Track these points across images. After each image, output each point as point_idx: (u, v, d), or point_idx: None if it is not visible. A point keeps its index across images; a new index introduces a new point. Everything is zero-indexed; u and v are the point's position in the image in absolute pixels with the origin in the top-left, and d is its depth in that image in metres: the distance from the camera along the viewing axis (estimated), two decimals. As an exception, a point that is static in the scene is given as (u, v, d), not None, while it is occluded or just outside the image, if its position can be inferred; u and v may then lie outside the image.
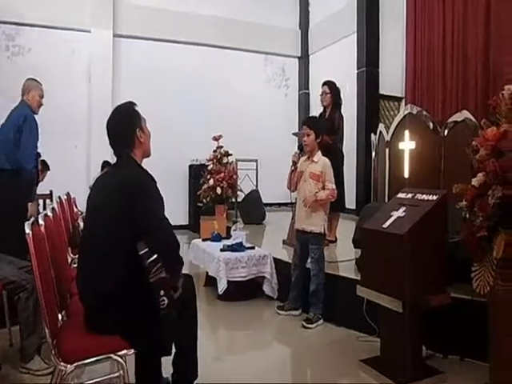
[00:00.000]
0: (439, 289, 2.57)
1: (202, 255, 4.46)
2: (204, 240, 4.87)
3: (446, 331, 2.87)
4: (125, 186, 1.98)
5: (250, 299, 4.19)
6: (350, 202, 6.60)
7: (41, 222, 2.22)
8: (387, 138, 4.73)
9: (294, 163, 3.72)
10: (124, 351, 1.96)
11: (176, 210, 7.15)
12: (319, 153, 3.67)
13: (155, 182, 2.08)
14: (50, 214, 2.61)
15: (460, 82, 6.50)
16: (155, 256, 1.92)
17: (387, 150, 4.71)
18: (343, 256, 4.17)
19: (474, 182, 2.44)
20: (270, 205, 8.20)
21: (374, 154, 5.32)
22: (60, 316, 2.29)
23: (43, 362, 2.68)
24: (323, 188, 3.56)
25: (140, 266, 1.91)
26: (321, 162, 3.61)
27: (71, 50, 7.72)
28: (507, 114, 2.41)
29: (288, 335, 3.52)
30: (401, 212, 2.64)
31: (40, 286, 1.86)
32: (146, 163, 2.25)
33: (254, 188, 7.45)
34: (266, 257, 4.16)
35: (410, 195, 2.78)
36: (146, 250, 1.92)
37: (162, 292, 1.91)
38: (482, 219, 2.34)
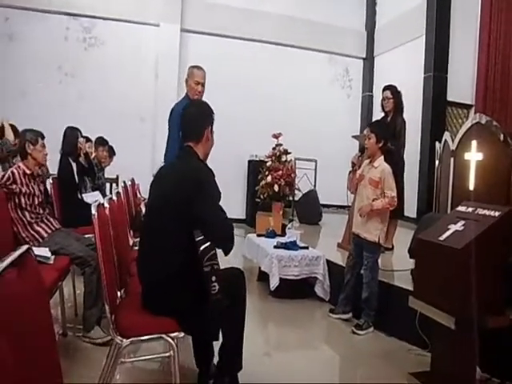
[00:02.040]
0: (497, 310, 2.47)
1: (256, 250, 4.54)
2: (259, 235, 4.95)
3: (506, 355, 2.72)
4: (186, 177, 2.10)
5: (301, 298, 4.21)
6: (411, 210, 6.46)
7: (106, 204, 2.36)
8: (452, 147, 4.55)
9: (354, 165, 3.66)
10: (175, 333, 2.06)
11: (233, 204, 7.27)
12: (381, 158, 3.57)
13: (214, 175, 2.17)
14: (114, 198, 2.77)
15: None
16: (208, 244, 2.02)
17: (452, 160, 4.55)
18: (399, 265, 4.08)
19: (543, 200, 2.35)
20: (328, 206, 8.16)
21: (437, 162, 5.17)
22: (119, 294, 2.43)
23: (102, 332, 2.88)
24: (382, 194, 3.47)
25: (196, 252, 2.01)
26: (380, 168, 3.51)
27: (141, 43, 8.07)
28: None
29: (337, 339, 3.53)
30: (459, 226, 2.56)
31: (102, 264, 2.00)
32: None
33: (312, 188, 7.45)
34: (320, 258, 4.17)
35: (470, 209, 2.69)
36: (202, 237, 2.01)
37: (213, 278, 2.00)
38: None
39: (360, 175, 3.68)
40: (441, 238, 2.57)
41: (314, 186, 7.58)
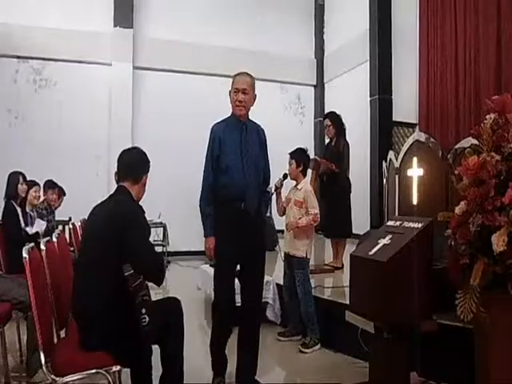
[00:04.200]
0: (425, 315, 2.59)
1: (209, 280, 4.55)
2: (211, 265, 4.97)
3: (439, 358, 2.87)
4: (116, 213, 2.19)
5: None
6: (364, 228, 6.61)
7: (42, 247, 2.39)
8: (397, 164, 4.77)
9: (276, 188, 3.84)
10: (113, 367, 2.08)
11: (191, 236, 7.25)
12: (303, 181, 3.89)
13: (144, 212, 2.29)
14: (54, 239, 2.79)
15: (473, 108, 6.54)
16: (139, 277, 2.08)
17: (397, 177, 4.76)
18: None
19: (457, 210, 2.49)
20: (282, 231, 8.25)
21: (384, 180, 5.37)
22: (59, 333, 2.42)
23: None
24: (307, 213, 3.75)
25: (125, 287, 2.06)
26: (303, 189, 3.82)
27: (93, 83, 8.15)
28: (488, 142, 2.47)
29: (287, 360, 3.60)
30: (387, 239, 2.69)
31: (34, 306, 2.01)
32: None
33: (268, 215, 7.53)
34: (269, 283, 4.23)
35: (398, 223, 2.84)
36: (132, 271, 2.07)
37: (143, 310, 2.05)
38: (464, 247, 2.40)
39: (287, 199, 3.95)
40: (370, 253, 2.69)
41: (270, 212, 7.67)
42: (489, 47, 6.25)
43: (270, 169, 3.30)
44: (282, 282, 4.28)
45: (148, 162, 2.47)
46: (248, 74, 3.01)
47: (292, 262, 3.81)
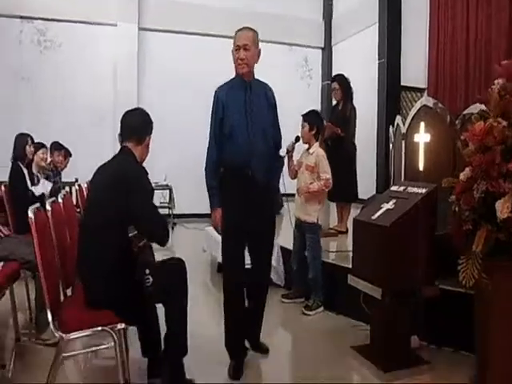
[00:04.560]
0: (427, 281, 2.63)
1: (213, 243, 4.61)
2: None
3: (441, 323, 2.91)
4: (118, 174, 2.20)
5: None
6: (370, 193, 6.61)
7: (48, 207, 2.42)
8: (403, 130, 4.72)
9: (288, 151, 3.72)
10: (118, 325, 2.14)
11: (197, 198, 7.27)
12: (315, 145, 3.78)
13: (147, 173, 2.30)
14: (60, 200, 2.82)
15: (483, 73, 6.40)
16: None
17: (403, 143, 4.71)
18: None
19: (462, 176, 2.48)
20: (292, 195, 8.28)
21: (391, 145, 5.32)
22: (66, 292, 2.49)
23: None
24: (318, 178, 3.67)
25: (129, 248, 2.09)
26: (315, 154, 3.73)
27: (99, 44, 8.05)
28: (495, 108, 2.43)
29: (289, 322, 3.67)
30: (390, 204, 2.71)
31: (41, 265, 2.05)
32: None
33: (275, 178, 7.53)
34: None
35: (402, 188, 2.84)
36: (136, 232, 2.10)
37: (147, 271, 2.08)
38: (467, 213, 2.40)
39: (299, 162, 3.86)
40: (373, 217, 2.71)
41: (276, 176, 7.67)
42: (501, 9, 6.05)
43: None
44: (285, 245, 4.33)
45: (151, 122, 2.46)
46: (250, 29, 2.73)
47: (303, 227, 3.79)
